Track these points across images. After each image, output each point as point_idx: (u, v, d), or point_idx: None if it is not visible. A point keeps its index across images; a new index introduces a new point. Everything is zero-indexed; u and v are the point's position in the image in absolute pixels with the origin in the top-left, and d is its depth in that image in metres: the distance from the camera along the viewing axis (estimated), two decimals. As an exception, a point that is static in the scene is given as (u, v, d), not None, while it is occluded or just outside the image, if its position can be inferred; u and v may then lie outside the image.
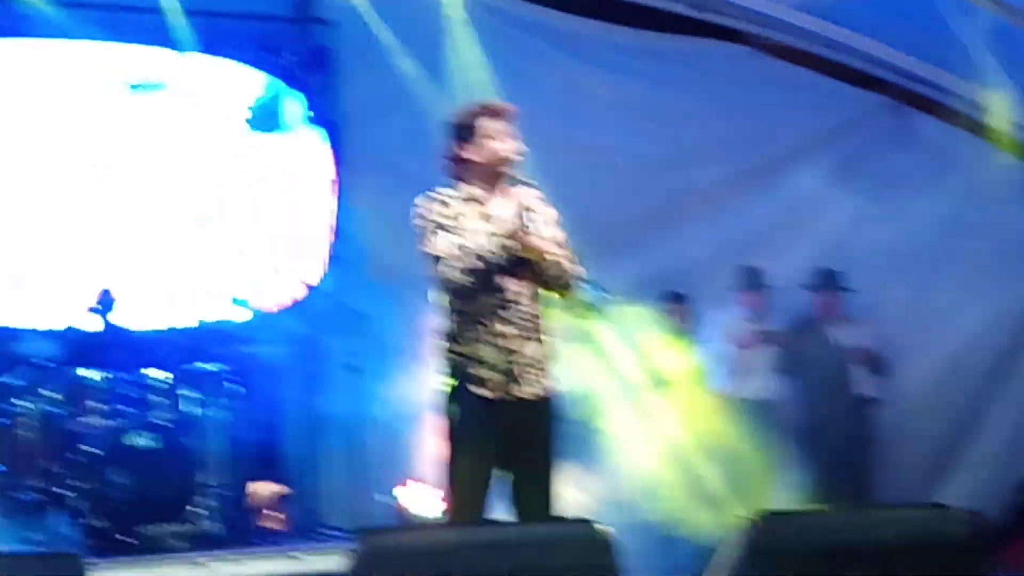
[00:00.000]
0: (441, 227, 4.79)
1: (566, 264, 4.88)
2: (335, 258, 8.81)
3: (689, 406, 8.07)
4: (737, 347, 8.06)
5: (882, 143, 8.72)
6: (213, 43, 8.82)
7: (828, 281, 8.28)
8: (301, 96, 9.27)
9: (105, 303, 7.96)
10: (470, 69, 8.34)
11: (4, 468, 7.32)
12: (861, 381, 8.26)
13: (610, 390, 7.93)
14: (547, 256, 4.81)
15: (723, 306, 8.33)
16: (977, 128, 8.16)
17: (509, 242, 4.74)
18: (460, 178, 4.94)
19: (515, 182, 4.89)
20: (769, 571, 3.99)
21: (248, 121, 9.17)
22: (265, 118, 9.21)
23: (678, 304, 8.35)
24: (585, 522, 4.12)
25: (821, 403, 8.21)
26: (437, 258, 4.76)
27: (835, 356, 8.25)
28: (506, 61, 8.19)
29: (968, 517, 4.31)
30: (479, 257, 4.71)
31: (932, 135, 8.59)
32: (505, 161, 4.86)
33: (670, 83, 8.81)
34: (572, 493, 7.04)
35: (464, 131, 4.89)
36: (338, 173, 9.18)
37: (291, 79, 9.26)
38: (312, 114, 9.20)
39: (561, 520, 4.29)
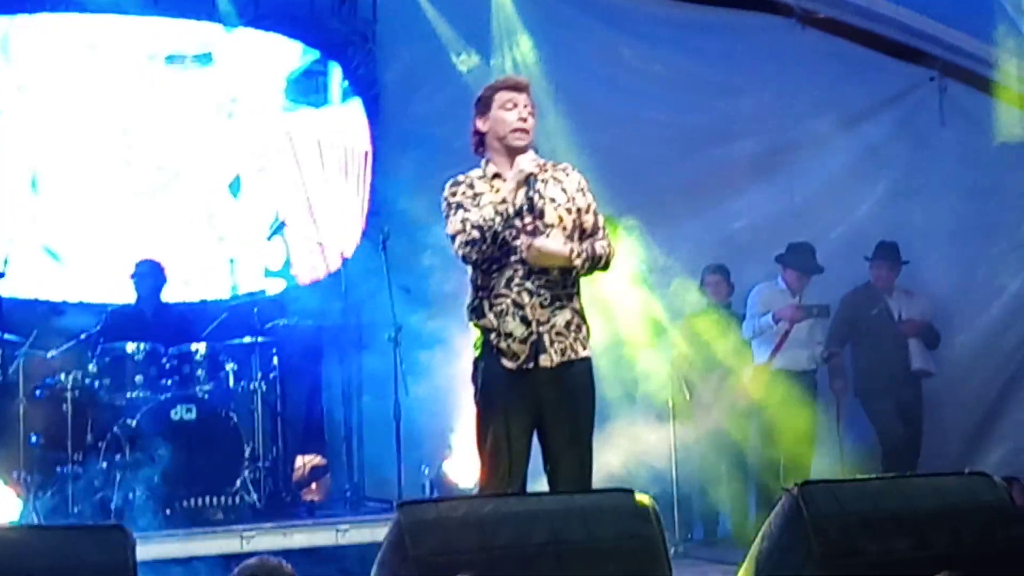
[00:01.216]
0: (460, 206, 4.80)
1: (585, 255, 4.82)
2: (371, 230, 8.80)
3: (732, 377, 8.04)
4: (782, 320, 8.01)
5: (927, 116, 8.63)
6: (257, 16, 8.84)
7: (886, 253, 8.23)
8: (341, 68, 9.27)
9: (143, 276, 8.00)
10: (513, 42, 8.32)
11: (49, 442, 7.36)
12: (915, 353, 8.21)
13: (651, 360, 7.92)
14: (556, 258, 4.78)
15: (767, 279, 8.27)
16: (1021, 102, 8.06)
17: (515, 205, 4.72)
18: (485, 155, 4.95)
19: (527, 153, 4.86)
20: (810, 540, 3.96)
21: (288, 93, 9.19)
22: (306, 90, 9.24)
23: (721, 276, 8.32)
24: (627, 492, 4.09)
25: (877, 373, 8.19)
26: (452, 236, 4.77)
27: (892, 327, 8.21)
28: (549, 34, 8.15)
29: (1009, 485, 4.28)
30: (476, 226, 4.69)
31: (977, 109, 8.48)
32: (513, 130, 4.85)
33: (714, 56, 8.76)
34: (610, 461, 7.05)
35: (483, 104, 4.92)
36: (376, 145, 9.19)
37: (332, 51, 9.27)
38: (346, 85, 9.20)
39: (602, 491, 4.26)
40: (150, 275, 8.02)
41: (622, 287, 7.65)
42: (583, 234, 4.90)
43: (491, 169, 4.90)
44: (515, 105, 4.86)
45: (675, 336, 8.11)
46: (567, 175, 4.96)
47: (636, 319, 7.85)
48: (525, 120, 4.86)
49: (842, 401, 8.30)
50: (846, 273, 8.43)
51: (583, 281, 4.92)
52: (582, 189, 4.94)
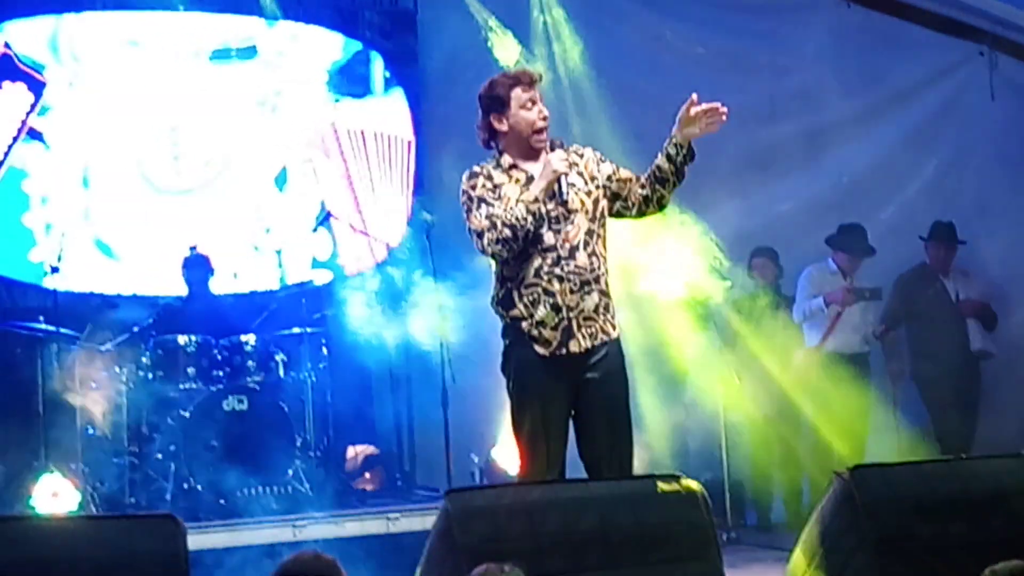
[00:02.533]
0: (482, 200, 4.80)
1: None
2: (415, 219, 8.82)
3: (781, 360, 7.99)
4: (832, 304, 7.94)
5: (976, 92, 8.51)
6: (299, 9, 8.87)
7: (942, 233, 8.14)
8: (383, 58, 9.29)
9: (192, 268, 8.07)
10: (554, 28, 8.29)
11: (105, 433, 7.45)
12: (974, 334, 8.12)
13: (697, 348, 7.88)
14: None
15: (815, 261, 8.20)
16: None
17: (546, 204, 4.73)
18: (499, 148, 4.94)
19: (552, 146, 4.86)
20: (863, 524, 3.93)
21: (331, 85, 9.22)
22: (349, 81, 9.27)
23: (768, 259, 8.26)
24: (675, 477, 4.08)
25: (934, 356, 8.09)
26: (479, 233, 4.76)
27: (950, 308, 8.12)
28: (590, 19, 8.12)
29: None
30: (508, 225, 4.69)
31: (1028, 83, 8.36)
32: (539, 131, 4.85)
33: (758, 36, 8.68)
34: (661, 447, 7.03)
35: (498, 103, 4.87)
36: (419, 134, 9.20)
37: (373, 42, 9.29)
38: (388, 75, 9.23)
39: (650, 476, 4.24)
40: (198, 267, 8.08)
41: (670, 271, 7.62)
42: (625, 184, 4.91)
43: (507, 160, 4.90)
44: (534, 103, 4.86)
45: (724, 320, 8.06)
46: (581, 157, 4.97)
47: (684, 304, 7.81)
48: (545, 119, 4.86)
49: (898, 384, 8.21)
50: (898, 254, 8.33)
51: (609, 266, 4.93)
52: (598, 162, 4.97)
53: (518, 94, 4.84)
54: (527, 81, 4.89)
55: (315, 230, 8.95)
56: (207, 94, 8.90)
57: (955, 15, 8.55)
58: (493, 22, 8.28)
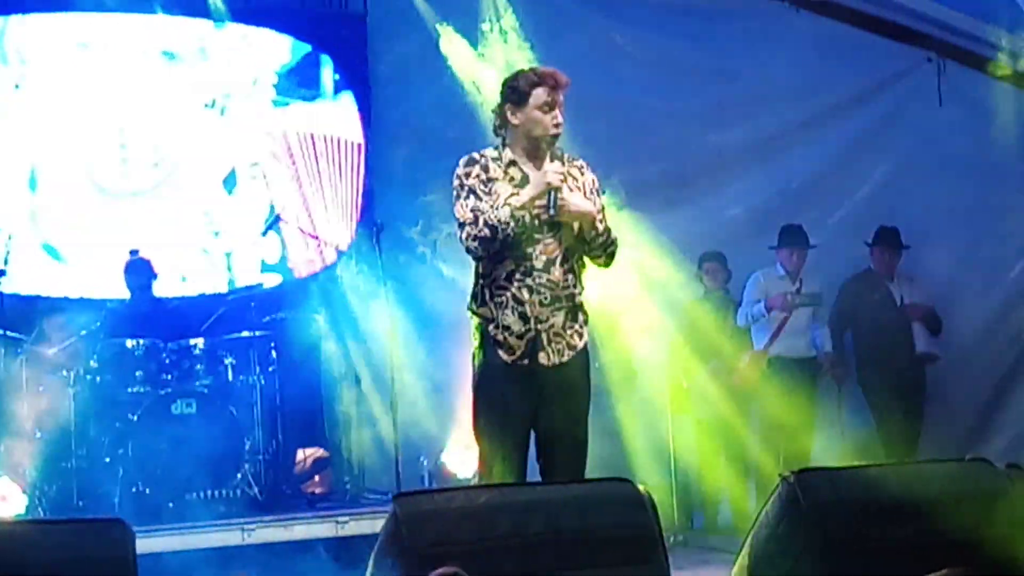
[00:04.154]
0: (473, 191, 4.77)
1: (605, 225, 4.86)
2: (365, 222, 8.80)
3: (729, 366, 8.04)
4: (774, 309, 7.99)
5: (924, 98, 8.59)
6: (248, 11, 8.83)
7: (887, 238, 8.21)
8: (332, 61, 9.27)
9: (132, 273, 8.02)
10: (503, 32, 8.29)
11: (52, 437, 7.38)
12: (919, 337, 8.20)
13: (645, 351, 7.91)
14: (577, 210, 4.78)
15: (763, 265, 8.25)
16: (1021, 81, 8.02)
17: (537, 210, 4.72)
18: (504, 140, 4.91)
19: (556, 155, 4.85)
20: (808, 528, 3.95)
21: (280, 87, 9.19)
22: (299, 84, 9.24)
23: (718, 263, 8.31)
24: (624, 481, 4.09)
25: (879, 360, 8.17)
26: (461, 223, 4.75)
27: (895, 312, 8.19)
28: (540, 22, 8.12)
29: (1011, 472, 4.26)
30: (489, 225, 4.67)
31: (976, 89, 8.44)
32: (550, 135, 4.82)
33: (708, 41, 8.72)
34: (609, 450, 7.05)
35: (519, 96, 4.83)
36: (368, 137, 9.19)
37: (323, 45, 9.26)
38: (338, 77, 9.22)
39: (599, 480, 4.26)
40: (139, 272, 8.03)
41: (620, 275, 7.65)
42: None
43: (508, 155, 4.86)
44: (552, 107, 4.79)
45: (672, 324, 8.10)
46: (582, 174, 4.94)
47: (634, 307, 7.84)
48: (558, 126, 4.82)
49: (843, 388, 8.28)
50: (848, 258, 8.41)
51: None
52: (595, 191, 4.94)
53: (539, 94, 4.78)
54: (551, 84, 4.80)
55: (264, 233, 8.93)
56: (155, 96, 8.84)
57: (903, 21, 8.63)
58: (443, 26, 8.27)
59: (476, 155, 4.87)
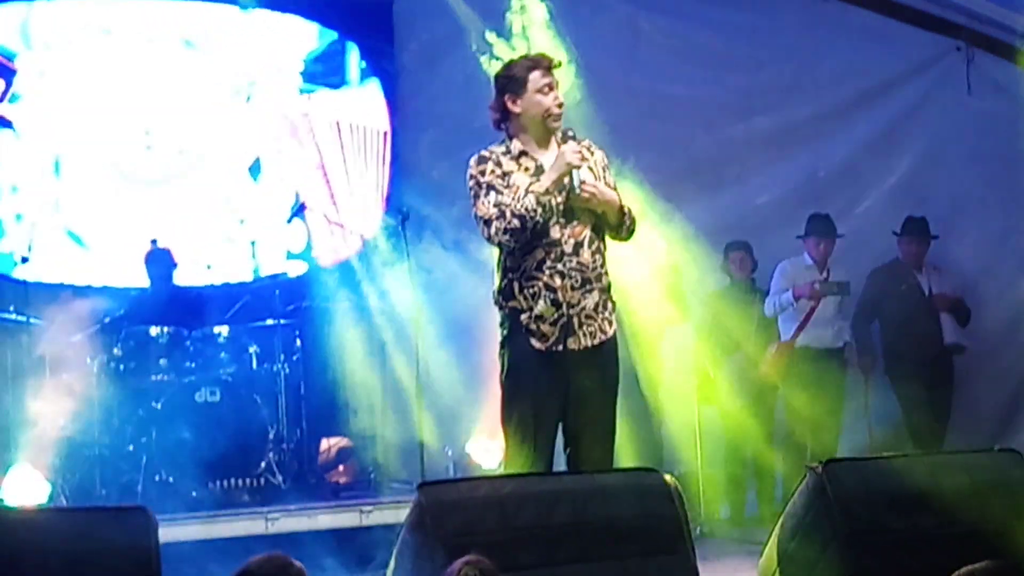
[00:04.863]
0: (491, 187, 4.77)
1: (627, 208, 4.87)
2: (390, 210, 8.78)
3: (755, 357, 7.99)
4: (801, 298, 7.94)
5: (953, 87, 8.53)
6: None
7: (915, 228, 8.16)
8: (358, 49, 9.26)
9: (151, 263, 8.02)
10: (530, 17, 8.25)
11: (76, 425, 7.39)
12: (947, 328, 8.14)
13: (676, 338, 7.87)
14: (604, 199, 4.78)
15: (790, 255, 8.21)
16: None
17: (557, 197, 4.70)
18: (509, 132, 4.90)
19: (565, 136, 4.84)
20: (834, 518, 3.93)
21: (306, 75, 9.18)
22: (324, 72, 9.23)
23: (744, 253, 8.26)
24: (649, 472, 4.09)
25: (906, 350, 8.12)
26: (486, 220, 4.73)
27: (922, 303, 8.13)
28: (566, 9, 8.07)
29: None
30: (517, 216, 4.67)
31: (1005, 78, 8.38)
32: (554, 116, 4.83)
33: (735, 29, 8.68)
34: (635, 441, 7.02)
35: (515, 84, 4.84)
36: (394, 125, 9.17)
37: (349, 32, 9.25)
38: (364, 65, 9.20)
39: (624, 470, 4.24)
40: (158, 262, 8.02)
41: (645, 265, 7.61)
42: None
43: (517, 146, 4.87)
44: (551, 88, 4.82)
45: (698, 313, 8.07)
46: (592, 153, 4.96)
47: (660, 297, 7.80)
48: (560, 106, 4.84)
49: (870, 379, 8.23)
50: (876, 248, 8.36)
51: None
52: (605, 167, 4.97)
53: (536, 77, 4.81)
54: (546, 66, 4.85)
55: (289, 221, 8.92)
56: (180, 83, 8.82)
57: (932, 10, 8.58)
58: (469, 13, 8.23)
59: (485, 153, 4.88)
